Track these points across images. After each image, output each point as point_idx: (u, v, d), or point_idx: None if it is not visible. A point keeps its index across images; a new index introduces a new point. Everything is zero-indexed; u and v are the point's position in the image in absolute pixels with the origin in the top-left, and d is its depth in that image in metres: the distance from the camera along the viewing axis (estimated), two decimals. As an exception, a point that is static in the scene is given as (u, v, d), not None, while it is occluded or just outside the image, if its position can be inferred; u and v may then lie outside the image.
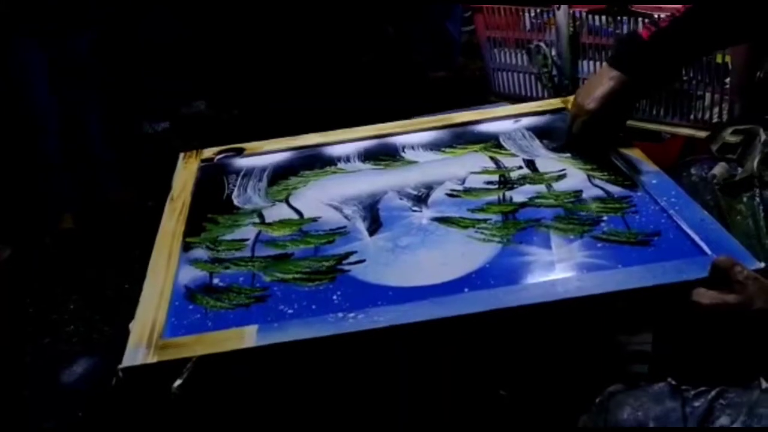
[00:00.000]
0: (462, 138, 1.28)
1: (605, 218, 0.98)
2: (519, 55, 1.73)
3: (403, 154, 1.24)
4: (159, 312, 0.89)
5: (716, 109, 1.43)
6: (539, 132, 1.26)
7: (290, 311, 0.88)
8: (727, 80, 1.40)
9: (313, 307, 0.88)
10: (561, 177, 1.10)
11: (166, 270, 0.98)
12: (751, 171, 1.06)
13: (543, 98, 1.57)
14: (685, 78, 1.44)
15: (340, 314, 0.85)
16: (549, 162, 1.15)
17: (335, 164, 1.23)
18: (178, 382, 0.79)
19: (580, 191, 1.06)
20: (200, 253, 1.02)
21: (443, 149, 1.24)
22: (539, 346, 1.00)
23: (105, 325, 1.90)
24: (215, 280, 0.96)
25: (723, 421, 0.71)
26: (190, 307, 0.91)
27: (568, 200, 1.04)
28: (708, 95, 1.44)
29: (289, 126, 1.39)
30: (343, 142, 1.31)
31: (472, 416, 0.99)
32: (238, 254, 1.01)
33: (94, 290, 2.07)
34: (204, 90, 3.23)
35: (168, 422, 0.84)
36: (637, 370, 1.00)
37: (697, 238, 0.90)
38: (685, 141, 1.52)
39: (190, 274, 0.98)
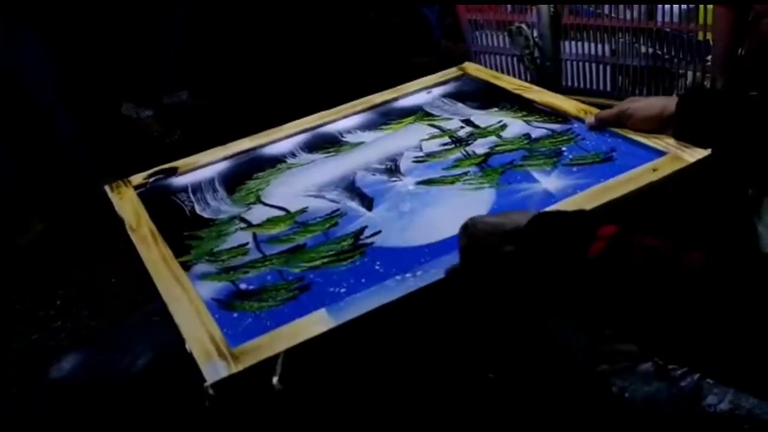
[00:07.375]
0: (391, 115, 1.35)
1: (564, 149, 1.12)
2: (501, 37, 1.71)
3: (345, 139, 1.28)
4: (210, 326, 0.86)
5: (698, 87, 1.44)
6: (456, 97, 1.37)
7: (343, 290, 0.89)
8: (709, 57, 1.43)
9: (363, 280, 0.90)
10: (503, 127, 1.23)
11: (184, 290, 0.93)
12: None
13: (526, 80, 1.54)
14: (666, 57, 1.46)
15: (398, 277, 0.88)
16: (484, 118, 1.27)
17: (284, 161, 1.24)
18: (275, 378, 0.78)
19: (529, 134, 1.19)
20: (203, 267, 0.99)
21: (381, 127, 1.31)
22: (529, 329, 1.03)
23: (92, 320, 1.85)
24: (242, 286, 0.93)
25: (711, 400, 0.71)
26: (234, 315, 0.88)
27: (524, 143, 1.16)
28: (690, 73, 1.47)
29: (271, 114, 1.38)
30: (275, 141, 1.31)
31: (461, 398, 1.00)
32: (247, 258, 0.99)
33: (80, 285, 2.00)
34: (187, 80, 3.10)
35: (271, 418, 0.81)
36: (623, 349, 1.08)
37: (645, 141, 1.07)
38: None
39: (208, 288, 0.94)
